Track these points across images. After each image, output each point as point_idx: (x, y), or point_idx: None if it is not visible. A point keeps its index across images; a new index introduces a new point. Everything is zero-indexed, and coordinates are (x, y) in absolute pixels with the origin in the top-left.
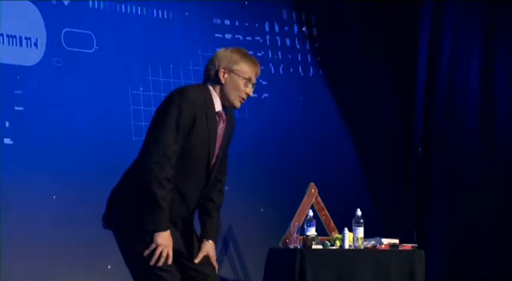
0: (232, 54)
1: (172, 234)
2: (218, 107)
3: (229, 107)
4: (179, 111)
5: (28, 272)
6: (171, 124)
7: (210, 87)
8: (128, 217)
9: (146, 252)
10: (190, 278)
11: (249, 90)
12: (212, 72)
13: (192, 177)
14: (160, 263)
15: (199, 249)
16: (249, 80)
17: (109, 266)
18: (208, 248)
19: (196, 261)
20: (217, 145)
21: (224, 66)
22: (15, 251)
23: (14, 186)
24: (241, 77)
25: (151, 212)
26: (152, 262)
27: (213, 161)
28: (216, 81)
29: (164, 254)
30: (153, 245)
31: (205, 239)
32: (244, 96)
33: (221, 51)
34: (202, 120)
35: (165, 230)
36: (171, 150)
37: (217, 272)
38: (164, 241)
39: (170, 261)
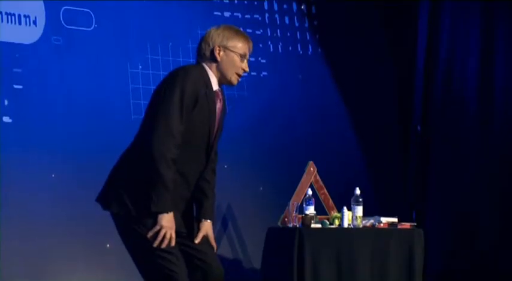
0: (225, 32)
1: (174, 216)
2: (215, 86)
3: (227, 85)
4: (183, 91)
5: (26, 250)
6: (176, 103)
7: (206, 67)
8: (129, 198)
9: (150, 234)
10: (190, 258)
11: (245, 65)
12: (207, 51)
13: (194, 157)
14: (164, 245)
15: (198, 229)
16: (243, 56)
17: (108, 245)
18: (207, 227)
19: (197, 241)
20: (216, 124)
21: (218, 43)
22: (14, 229)
23: (13, 164)
24: (236, 53)
25: (157, 192)
26: (156, 244)
27: (212, 140)
28: (212, 59)
29: (168, 236)
30: (157, 227)
31: (203, 219)
32: (241, 72)
33: (213, 30)
34: (203, 100)
35: (169, 211)
36: (177, 129)
37: (216, 251)
38: (168, 222)
39: (173, 243)
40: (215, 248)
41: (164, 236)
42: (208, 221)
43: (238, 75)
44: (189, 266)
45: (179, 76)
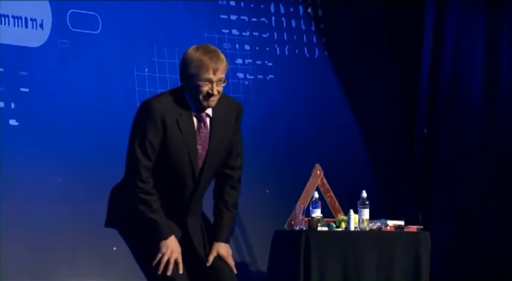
0: (187, 57)
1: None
2: (194, 111)
3: (203, 109)
4: (144, 128)
5: (32, 253)
6: (138, 141)
7: (185, 91)
8: (130, 227)
9: (154, 263)
10: (200, 269)
11: (210, 88)
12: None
13: (179, 184)
14: (169, 272)
15: (210, 250)
16: (206, 80)
17: (114, 248)
18: (219, 249)
19: (208, 264)
20: (202, 149)
21: (181, 72)
22: (19, 232)
23: (18, 167)
24: (197, 80)
25: (147, 227)
26: (160, 271)
27: (199, 166)
28: (184, 86)
29: (172, 261)
30: (159, 255)
31: (215, 242)
32: (206, 96)
33: (184, 54)
34: (173, 129)
35: (166, 238)
36: (142, 166)
37: (234, 271)
38: (168, 248)
39: (181, 268)
40: (232, 267)
41: (168, 262)
42: (220, 243)
43: (207, 99)
44: (199, 274)
45: (141, 114)
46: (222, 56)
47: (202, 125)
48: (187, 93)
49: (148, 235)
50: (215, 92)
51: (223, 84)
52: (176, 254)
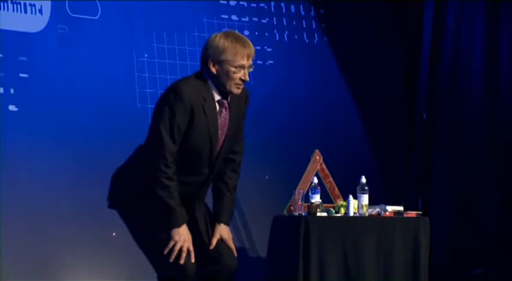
0: (219, 44)
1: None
2: (217, 96)
3: (229, 94)
4: (173, 112)
5: (31, 238)
6: (167, 125)
7: (207, 77)
8: (135, 210)
9: (166, 250)
10: (202, 251)
11: (243, 75)
12: (204, 64)
13: (194, 170)
14: (182, 261)
15: (213, 233)
16: (240, 66)
17: (114, 234)
18: (221, 231)
19: (211, 247)
20: (221, 134)
21: (212, 58)
22: (19, 217)
23: (18, 153)
24: (231, 66)
25: (164, 212)
26: (172, 258)
27: (217, 152)
28: (209, 72)
29: (185, 249)
30: (172, 243)
31: (217, 223)
32: (239, 82)
33: (210, 40)
34: (200, 115)
35: (179, 226)
36: (168, 150)
37: (235, 253)
38: (181, 236)
39: (193, 257)
40: (233, 250)
41: (181, 250)
42: (222, 224)
43: (238, 85)
44: (201, 258)
45: (171, 96)
46: (250, 42)
47: (223, 110)
48: (213, 79)
49: (158, 221)
50: (248, 78)
51: (251, 70)
52: (188, 243)
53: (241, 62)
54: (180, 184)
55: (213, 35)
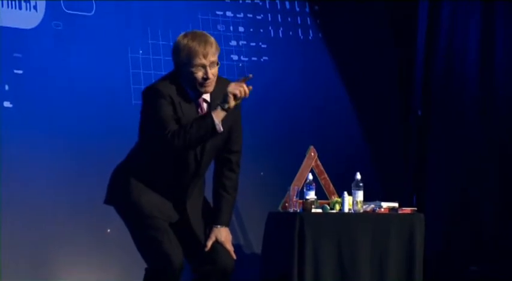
0: (178, 46)
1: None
2: (193, 95)
3: (203, 93)
4: (159, 105)
5: (27, 234)
6: (160, 115)
7: (179, 78)
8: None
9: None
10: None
11: (205, 73)
12: (174, 66)
13: (180, 169)
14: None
15: (209, 234)
16: (199, 66)
17: (108, 230)
18: (217, 233)
19: (206, 249)
20: None
21: (175, 60)
22: (15, 214)
23: (13, 149)
24: (189, 67)
25: (199, 128)
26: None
27: (200, 150)
28: (178, 73)
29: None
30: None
31: (213, 226)
32: (202, 81)
33: (174, 43)
34: (178, 110)
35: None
36: (172, 124)
37: (233, 255)
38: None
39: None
40: (231, 252)
41: (166, 239)
42: (219, 226)
43: (202, 84)
44: (197, 257)
45: (149, 98)
46: (211, 38)
47: (199, 111)
48: (184, 81)
49: (150, 219)
50: (210, 76)
51: (217, 67)
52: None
53: (198, 62)
54: (168, 185)
55: (178, 36)
